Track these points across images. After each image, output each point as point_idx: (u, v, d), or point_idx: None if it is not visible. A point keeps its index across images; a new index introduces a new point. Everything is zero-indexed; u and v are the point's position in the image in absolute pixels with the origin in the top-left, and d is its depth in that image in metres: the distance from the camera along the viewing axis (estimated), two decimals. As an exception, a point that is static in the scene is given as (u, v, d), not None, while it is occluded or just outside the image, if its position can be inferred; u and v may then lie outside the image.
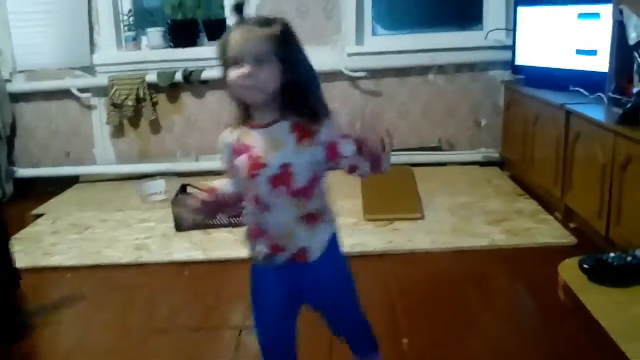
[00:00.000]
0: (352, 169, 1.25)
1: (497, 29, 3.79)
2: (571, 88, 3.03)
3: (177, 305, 2.30)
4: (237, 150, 1.27)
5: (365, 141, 1.18)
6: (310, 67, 1.26)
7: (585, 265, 1.90)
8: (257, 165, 1.24)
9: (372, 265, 2.52)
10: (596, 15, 2.88)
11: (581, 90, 2.96)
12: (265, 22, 1.22)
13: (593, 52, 2.92)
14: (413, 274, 2.44)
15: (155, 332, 2.09)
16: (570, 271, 1.97)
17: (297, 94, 1.23)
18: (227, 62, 1.21)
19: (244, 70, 1.18)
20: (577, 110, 2.65)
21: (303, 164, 1.24)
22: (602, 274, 1.88)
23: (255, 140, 1.25)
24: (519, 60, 3.50)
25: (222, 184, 1.36)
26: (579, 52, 3.02)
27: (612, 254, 1.91)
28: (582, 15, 2.99)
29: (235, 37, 1.20)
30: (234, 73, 1.19)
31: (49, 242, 2.95)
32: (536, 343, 1.89)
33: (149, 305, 2.33)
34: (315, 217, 1.31)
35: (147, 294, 2.42)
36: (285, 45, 1.21)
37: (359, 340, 1.51)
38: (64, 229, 3.13)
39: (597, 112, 2.57)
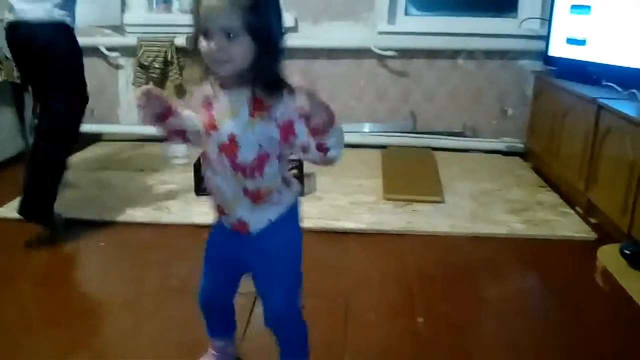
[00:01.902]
0: (303, 149, 1.20)
1: (531, 18, 3.73)
2: (604, 83, 2.99)
3: (194, 267, 2.31)
4: (204, 105, 1.27)
5: (309, 114, 1.10)
6: (282, 39, 1.20)
7: (626, 251, 1.88)
8: (210, 127, 1.25)
9: (390, 244, 2.51)
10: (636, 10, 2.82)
11: (614, 85, 2.92)
12: None
13: (630, 46, 2.87)
14: (430, 256, 2.43)
15: (171, 292, 2.11)
16: (610, 257, 1.95)
17: (263, 68, 1.18)
18: (197, 30, 1.16)
19: (213, 44, 1.13)
20: (609, 105, 2.62)
21: (250, 137, 1.21)
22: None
23: (217, 100, 1.24)
24: (552, 52, 3.45)
25: (184, 113, 1.33)
26: (614, 45, 2.97)
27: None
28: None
29: (207, 3, 1.13)
30: (204, 45, 1.15)
31: (69, 196, 2.97)
32: (549, 333, 1.89)
33: (165, 265, 2.35)
34: (259, 195, 1.28)
35: (164, 254, 2.44)
36: (258, 18, 1.13)
37: (286, 340, 1.45)
38: (84, 185, 3.15)
39: (629, 108, 2.53)
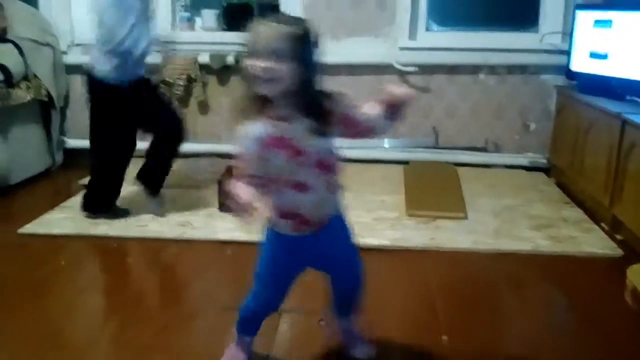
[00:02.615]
0: (367, 130, 1.48)
1: (553, 33, 3.72)
2: (628, 98, 2.96)
3: (218, 283, 2.34)
4: (269, 141, 1.37)
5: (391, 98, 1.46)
6: (320, 67, 1.39)
7: None
8: (295, 154, 1.38)
9: (413, 260, 2.51)
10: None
11: (638, 100, 2.90)
12: (289, 21, 1.33)
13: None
14: (454, 272, 2.43)
15: (194, 308, 2.13)
16: None
17: (306, 92, 1.36)
18: (249, 53, 1.31)
19: (262, 63, 1.29)
20: (634, 120, 2.60)
21: (329, 145, 1.44)
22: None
23: (285, 131, 1.37)
24: (574, 66, 3.44)
25: (247, 186, 1.34)
26: (638, 60, 2.95)
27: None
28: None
29: (260, 30, 1.31)
30: (253, 64, 1.30)
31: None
32: (574, 351, 1.87)
33: (189, 280, 2.38)
34: (335, 185, 1.50)
35: (188, 270, 2.47)
36: (303, 46, 1.32)
37: (354, 298, 1.72)
38: (110, 201, 3.19)
39: (654, 124, 2.52)
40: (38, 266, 2.45)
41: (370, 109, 1.47)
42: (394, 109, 1.47)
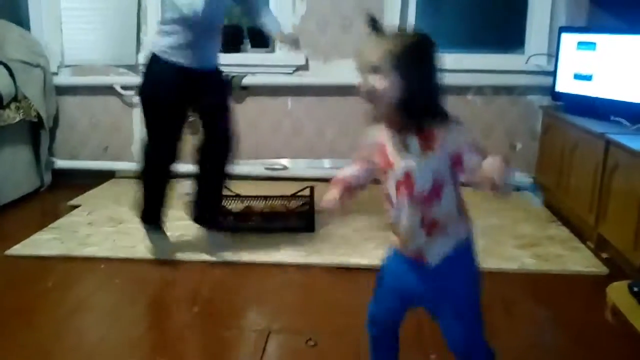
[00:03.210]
0: (468, 184, 1.29)
1: (538, 54, 3.79)
2: (612, 118, 3.01)
3: (205, 304, 2.34)
4: (378, 148, 1.38)
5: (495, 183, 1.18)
6: (434, 82, 1.30)
7: (635, 289, 1.88)
8: (387, 165, 1.36)
9: (401, 279, 2.52)
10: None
11: (622, 120, 2.94)
12: (395, 35, 1.29)
13: (636, 83, 2.90)
14: (441, 291, 2.43)
15: (183, 329, 2.13)
16: (619, 294, 1.95)
17: (416, 109, 1.28)
18: (360, 71, 1.31)
19: (365, 80, 1.29)
20: (617, 140, 2.64)
21: (424, 170, 1.31)
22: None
23: (389, 141, 1.35)
24: (560, 87, 3.49)
25: (351, 171, 1.46)
26: (621, 81, 3.01)
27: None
28: (627, 44, 2.98)
29: (366, 47, 1.30)
30: (363, 83, 1.29)
31: (84, 233, 3.02)
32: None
33: (177, 301, 2.38)
34: (435, 225, 1.36)
35: (177, 291, 2.47)
36: (407, 62, 1.26)
37: None
38: (99, 222, 3.20)
39: (637, 143, 2.55)
40: (25, 288, 2.44)
41: (484, 165, 1.21)
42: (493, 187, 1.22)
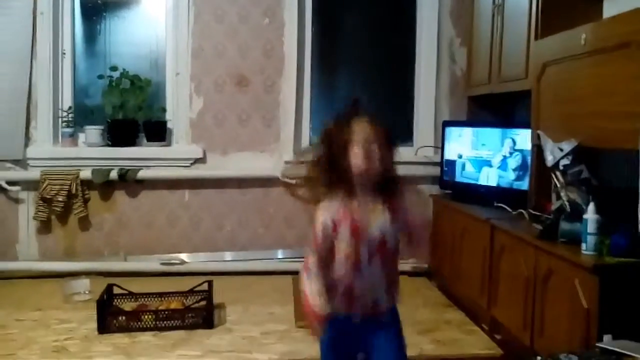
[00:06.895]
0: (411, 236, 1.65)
1: (426, 146, 4.02)
2: (496, 204, 3.20)
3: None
4: (337, 221, 1.55)
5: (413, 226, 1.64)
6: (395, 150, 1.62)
7: None
8: (359, 231, 1.53)
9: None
10: (515, 136, 3.13)
11: (505, 206, 3.13)
12: (377, 119, 1.57)
13: (515, 171, 3.14)
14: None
15: None
16: None
17: (387, 178, 1.56)
18: (347, 143, 1.53)
19: (368, 152, 1.51)
20: (501, 225, 2.80)
21: (392, 231, 1.57)
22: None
23: (356, 210, 1.54)
24: (446, 176, 3.70)
25: (317, 286, 1.53)
26: (502, 170, 3.24)
27: (539, 358, 1.96)
28: (504, 136, 3.24)
29: (361, 125, 1.54)
30: (359, 153, 1.51)
31: (-44, 342, 2.74)
32: None
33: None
34: (394, 281, 1.63)
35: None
36: (390, 140, 1.57)
37: None
38: (-26, 329, 2.92)
39: (519, 227, 2.72)
40: None
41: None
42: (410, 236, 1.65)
